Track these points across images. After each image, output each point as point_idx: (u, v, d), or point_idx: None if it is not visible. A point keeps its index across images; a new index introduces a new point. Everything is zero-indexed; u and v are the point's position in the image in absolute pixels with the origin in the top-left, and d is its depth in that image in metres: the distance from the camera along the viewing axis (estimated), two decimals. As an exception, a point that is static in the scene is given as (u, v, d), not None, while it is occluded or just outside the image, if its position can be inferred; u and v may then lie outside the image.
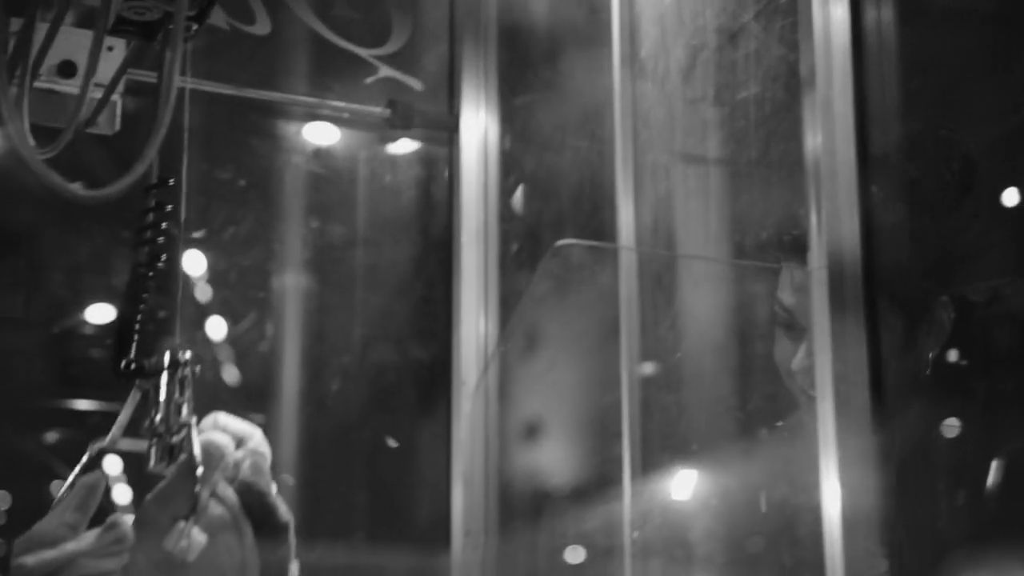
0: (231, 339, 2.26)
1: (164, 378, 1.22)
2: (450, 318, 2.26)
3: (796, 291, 1.67)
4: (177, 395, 1.21)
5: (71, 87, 1.81)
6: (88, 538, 1.15)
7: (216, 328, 2.25)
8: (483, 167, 2.27)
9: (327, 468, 2.28)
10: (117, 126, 1.86)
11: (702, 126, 1.84)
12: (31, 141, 1.45)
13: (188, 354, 1.23)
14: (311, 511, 2.18)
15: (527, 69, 2.32)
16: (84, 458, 1.22)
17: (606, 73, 2.00)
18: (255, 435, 1.23)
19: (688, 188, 1.86)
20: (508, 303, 2.19)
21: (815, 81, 1.51)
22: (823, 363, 1.45)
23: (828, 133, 1.49)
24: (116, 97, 1.85)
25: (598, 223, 1.98)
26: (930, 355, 1.56)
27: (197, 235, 2.26)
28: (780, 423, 1.69)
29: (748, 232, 1.75)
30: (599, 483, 1.94)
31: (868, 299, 1.43)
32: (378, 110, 2.35)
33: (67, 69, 1.84)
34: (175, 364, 1.23)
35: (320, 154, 2.37)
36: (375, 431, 2.33)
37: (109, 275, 2.27)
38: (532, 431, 2.12)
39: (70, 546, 1.14)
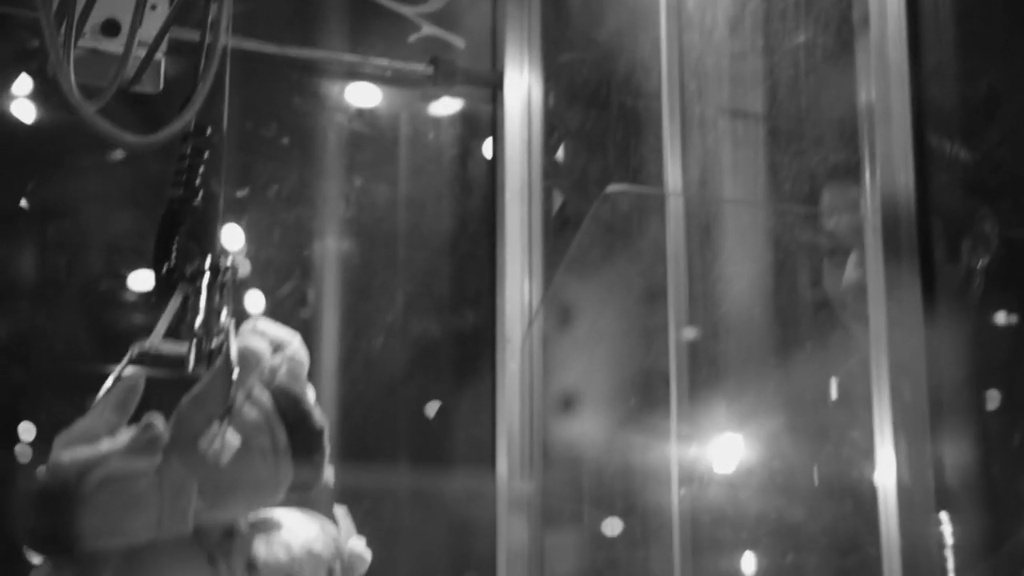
0: (275, 300, 2.27)
1: (205, 282, 1.24)
2: (494, 275, 2.25)
3: (835, 212, 1.66)
4: (217, 300, 1.23)
5: (115, 46, 1.82)
6: (123, 437, 1.17)
7: (255, 302, 2.26)
8: (526, 124, 2.25)
9: (370, 426, 2.28)
10: (161, 84, 1.86)
11: (751, 76, 1.82)
12: (78, 93, 1.46)
13: (229, 260, 1.25)
14: (355, 468, 2.19)
15: (571, 25, 2.30)
16: (124, 359, 1.23)
17: (652, 26, 1.98)
18: (293, 342, 1.25)
19: (736, 138, 1.84)
20: (552, 260, 2.17)
21: (869, 27, 1.49)
22: (877, 311, 1.44)
23: (882, 80, 1.47)
24: (160, 55, 1.85)
25: (644, 179, 1.96)
26: (978, 266, 1.54)
27: (240, 193, 2.26)
28: (834, 373, 1.67)
29: (795, 178, 1.73)
30: (646, 437, 1.93)
31: (922, 235, 1.41)
32: (421, 68, 2.33)
33: (111, 28, 1.84)
34: (216, 270, 1.24)
35: (363, 113, 2.36)
36: (419, 390, 2.32)
37: (151, 241, 2.27)
38: (578, 386, 2.11)
39: (105, 444, 1.16)
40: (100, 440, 1.16)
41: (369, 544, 1.31)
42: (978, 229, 1.60)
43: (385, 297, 2.32)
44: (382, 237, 2.35)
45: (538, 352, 2.13)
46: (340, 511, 1.29)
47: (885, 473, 1.44)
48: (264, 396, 1.20)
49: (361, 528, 1.31)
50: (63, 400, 2.51)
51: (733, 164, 1.83)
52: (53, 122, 2.22)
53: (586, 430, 2.14)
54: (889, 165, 1.45)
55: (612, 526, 2.05)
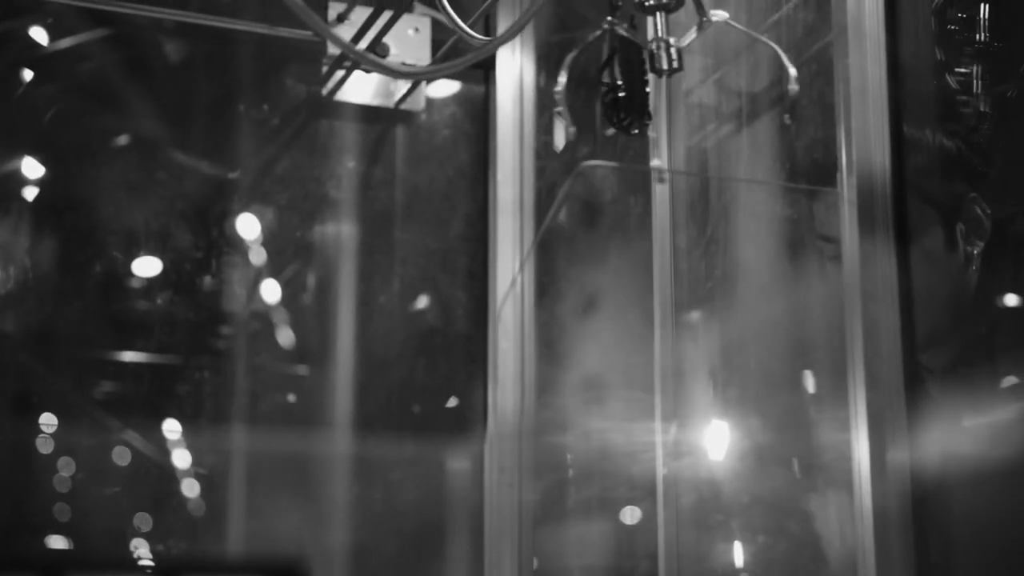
0: (281, 284, 2.28)
1: None
2: (487, 255, 2.26)
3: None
4: None
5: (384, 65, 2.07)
6: None
7: (271, 290, 2.28)
8: (519, 104, 2.25)
9: (371, 401, 2.30)
10: (423, 104, 2.26)
11: (734, 51, 1.82)
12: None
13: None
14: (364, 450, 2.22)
15: (562, 4, 2.30)
16: None
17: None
18: None
19: (721, 114, 1.84)
20: (546, 241, 2.18)
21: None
22: (852, 291, 1.44)
23: (859, 49, 1.47)
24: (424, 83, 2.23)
25: (631, 157, 1.96)
26: (974, 251, 1.53)
27: (232, 175, 2.27)
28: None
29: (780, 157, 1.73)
30: (631, 411, 1.94)
31: (898, 217, 1.41)
32: (413, 48, 2.34)
33: (382, 49, 2.17)
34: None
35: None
36: (413, 371, 2.33)
37: (167, 229, 2.28)
38: (565, 358, 2.12)
39: None
40: None
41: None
42: (968, 213, 1.58)
43: (380, 278, 2.33)
44: (376, 217, 2.36)
45: (530, 326, 2.14)
46: None
47: (861, 458, 1.44)
48: None
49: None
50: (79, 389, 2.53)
51: (716, 143, 1.84)
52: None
53: (580, 395, 2.15)
54: (865, 142, 1.45)
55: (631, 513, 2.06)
